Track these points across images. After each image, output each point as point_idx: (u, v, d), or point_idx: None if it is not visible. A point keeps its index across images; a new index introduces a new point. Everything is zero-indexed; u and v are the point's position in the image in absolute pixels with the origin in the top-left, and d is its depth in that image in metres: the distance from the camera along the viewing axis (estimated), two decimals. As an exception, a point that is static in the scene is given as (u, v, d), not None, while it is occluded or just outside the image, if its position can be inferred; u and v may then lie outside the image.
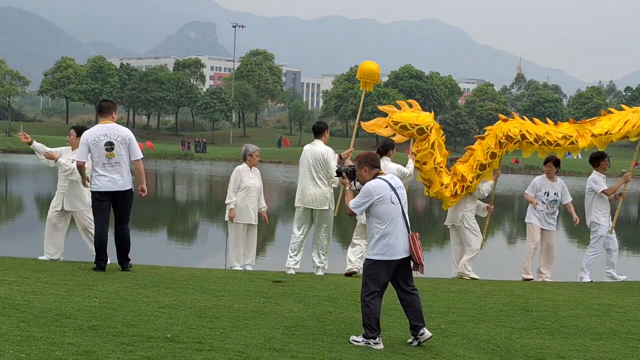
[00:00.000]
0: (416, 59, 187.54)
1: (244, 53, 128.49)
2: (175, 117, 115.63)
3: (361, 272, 8.48)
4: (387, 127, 11.17)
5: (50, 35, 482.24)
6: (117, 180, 9.41)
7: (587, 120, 12.24)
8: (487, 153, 11.53)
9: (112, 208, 9.58)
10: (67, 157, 10.39)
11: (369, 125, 11.42)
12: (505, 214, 28.19)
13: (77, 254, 10.88)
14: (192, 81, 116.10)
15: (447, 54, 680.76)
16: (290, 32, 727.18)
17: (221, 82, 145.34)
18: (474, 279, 11.41)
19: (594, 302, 9.58)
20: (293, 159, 66.25)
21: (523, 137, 11.50)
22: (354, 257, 10.97)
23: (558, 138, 11.60)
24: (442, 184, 11.45)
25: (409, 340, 6.72)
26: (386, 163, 11.10)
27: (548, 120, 12.19)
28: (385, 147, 11.29)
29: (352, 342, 6.56)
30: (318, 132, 10.90)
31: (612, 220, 12.21)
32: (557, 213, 12.11)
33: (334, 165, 10.41)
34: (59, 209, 10.48)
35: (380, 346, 6.48)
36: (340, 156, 10.62)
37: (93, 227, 10.43)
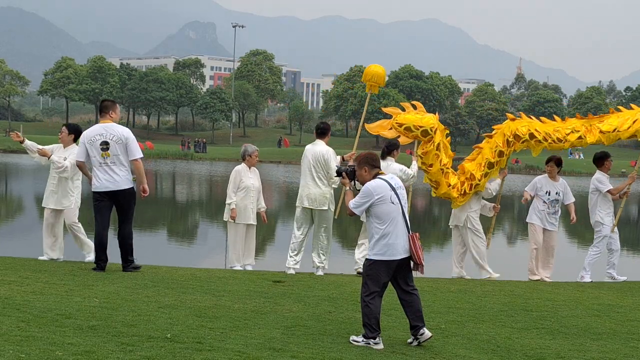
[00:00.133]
0: (416, 59, 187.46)
1: (244, 53, 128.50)
2: (175, 117, 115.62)
3: None
4: (391, 129, 11.20)
5: (50, 35, 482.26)
6: (115, 179, 9.39)
7: (594, 116, 12.24)
8: (495, 151, 11.54)
9: (115, 208, 9.59)
10: (58, 154, 10.40)
11: (374, 128, 11.44)
12: (506, 214, 28.18)
13: (77, 254, 10.88)
14: (192, 81, 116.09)
15: (447, 54, 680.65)
16: (290, 32, 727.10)
17: (221, 82, 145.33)
18: (494, 279, 11.42)
19: (594, 302, 9.58)
20: (293, 159, 66.30)
21: (532, 136, 11.50)
22: (362, 256, 11.03)
23: (566, 134, 11.62)
24: (449, 185, 11.46)
25: (409, 340, 6.72)
26: (389, 163, 11.10)
27: (555, 117, 12.20)
28: (390, 147, 11.30)
29: (352, 342, 6.56)
30: (323, 132, 10.90)
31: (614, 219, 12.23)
32: (559, 213, 12.10)
33: (334, 165, 10.41)
34: (51, 208, 10.49)
35: (380, 346, 6.48)
36: (342, 158, 10.62)
37: (79, 225, 10.49)
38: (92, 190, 9.53)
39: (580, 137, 11.70)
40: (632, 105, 12.42)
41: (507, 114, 12.18)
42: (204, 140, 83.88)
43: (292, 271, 10.72)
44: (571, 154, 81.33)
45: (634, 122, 11.78)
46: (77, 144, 10.57)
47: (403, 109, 11.29)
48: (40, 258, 10.52)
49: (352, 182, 7.05)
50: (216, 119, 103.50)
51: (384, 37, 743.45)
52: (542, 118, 12.09)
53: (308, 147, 10.91)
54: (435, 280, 10.98)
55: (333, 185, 10.76)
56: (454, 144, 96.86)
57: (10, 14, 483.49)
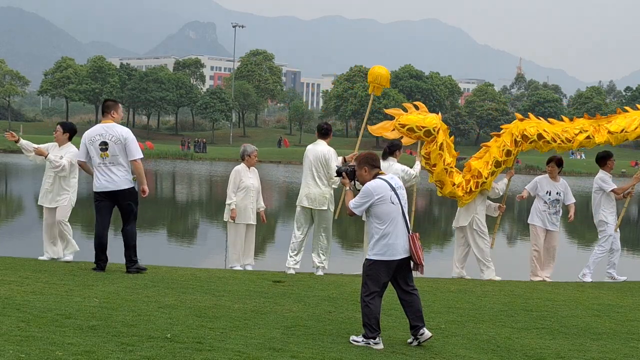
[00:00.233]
0: (416, 59, 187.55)
1: (244, 53, 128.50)
2: (175, 117, 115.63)
3: None
4: (394, 130, 11.20)
5: (50, 35, 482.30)
6: (113, 179, 9.38)
7: (602, 116, 12.25)
8: (503, 150, 11.54)
9: (117, 208, 9.58)
10: (54, 153, 10.33)
11: (376, 129, 11.45)
12: (506, 214, 28.14)
13: (77, 253, 10.87)
14: (192, 81, 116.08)
15: (447, 54, 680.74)
16: (290, 32, 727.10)
17: (221, 82, 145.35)
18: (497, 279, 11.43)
19: (594, 302, 9.58)
20: (293, 159, 66.33)
21: (540, 136, 11.49)
22: None
23: (575, 134, 11.63)
24: (454, 184, 11.46)
25: (409, 340, 6.72)
26: (391, 164, 11.10)
27: (563, 117, 12.21)
28: (392, 148, 11.30)
29: (352, 342, 6.56)
30: (326, 133, 10.91)
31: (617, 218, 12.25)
32: (560, 213, 12.11)
33: (334, 165, 10.41)
34: (47, 207, 10.44)
35: (380, 346, 6.48)
36: (344, 159, 10.62)
37: (68, 225, 10.39)
38: (93, 190, 9.54)
39: (588, 137, 11.72)
40: (639, 106, 12.41)
41: (516, 114, 12.20)
42: (204, 140, 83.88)
43: (292, 271, 10.72)
44: (572, 153, 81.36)
45: None
46: (72, 143, 10.54)
47: (405, 110, 11.30)
48: (41, 258, 10.51)
49: (352, 182, 7.05)
50: (216, 119, 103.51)
51: (384, 37, 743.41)
52: (550, 119, 12.09)
53: (309, 147, 10.92)
54: (435, 280, 10.98)
55: (333, 186, 10.76)
56: (454, 144, 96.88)
57: (10, 14, 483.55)
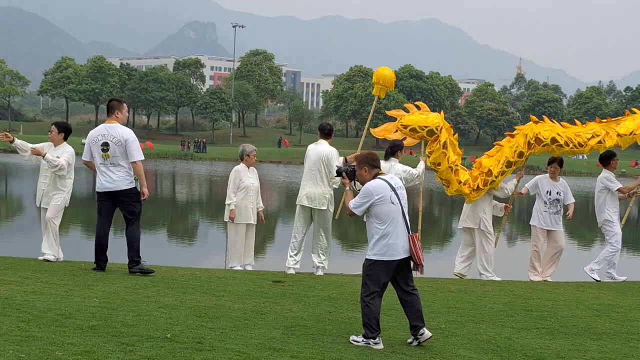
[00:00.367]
0: (416, 59, 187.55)
1: (244, 53, 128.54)
2: (175, 117, 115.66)
3: None
4: (396, 131, 11.21)
5: (50, 35, 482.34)
6: (113, 179, 9.37)
7: (612, 119, 12.28)
8: (516, 152, 11.56)
9: (120, 209, 9.56)
10: (50, 153, 10.18)
11: (379, 131, 11.46)
12: (505, 214, 28.15)
13: (77, 254, 10.88)
14: (192, 81, 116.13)
15: (447, 54, 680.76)
16: (290, 32, 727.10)
17: (221, 82, 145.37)
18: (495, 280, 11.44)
19: (594, 302, 9.58)
20: (293, 159, 66.36)
21: (553, 140, 11.51)
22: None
23: (587, 138, 11.67)
24: (460, 182, 11.45)
25: (409, 340, 6.72)
26: (393, 164, 11.09)
27: (576, 121, 12.24)
28: (394, 148, 11.29)
29: (352, 342, 6.56)
30: (328, 133, 10.94)
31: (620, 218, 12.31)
32: (561, 212, 12.14)
33: (336, 165, 10.41)
34: (44, 207, 10.33)
35: (380, 346, 6.48)
36: (345, 159, 10.62)
37: (56, 225, 10.18)
38: (96, 190, 9.55)
39: (600, 142, 11.78)
40: None
41: (531, 116, 12.23)
42: (204, 140, 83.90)
43: (292, 271, 10.72)
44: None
45: None
46: (67, 143, 10.42)
47: (407, 111, 11.32)
48: (40, 258, 10.49)
49: (352, 182, 7.05)
50: (216, 119, 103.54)
51: (384, 37, 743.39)
52: (564, 123, 12.08)
53: (311, 146, 10.91)
54: (435, 280, 10.98)
55: (334, 186, 10.76)
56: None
57: (10, 14, 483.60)
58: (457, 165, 11.43)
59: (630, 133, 11.89)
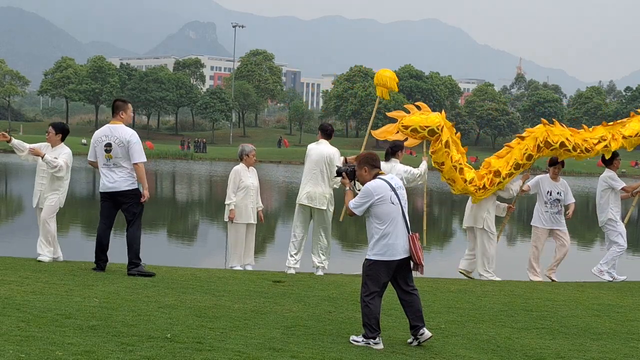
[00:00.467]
0: (416, 59, 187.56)
1: (244, 53, 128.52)
2: (175, 117, 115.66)
3: None
4: (397, 132, 11.22)
5: (50, 35, 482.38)
6: (115, 180, 9.36)
7: (617, 122, 12.33)
8: (525, 154, 11.59)
9: (121, 210, 9.54)
10: (48, 154, 10.04)
11: (380, 133, 11.46)
12: (505, 214, 28.15)
13: (77, 254, 10.87)
14: (192, 81, 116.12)
15: (447, 54, 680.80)
16: (290, 32, 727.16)
17: (221, 82, 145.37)
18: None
19: (594, 302, 9.59)
20: (293, 159, 66.36)
21: (562, 145, 11.58)
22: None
23: (594, 144, 11.74)
24: (465, 180, 11.46)
25: (409, 340, 6.72)
26: (394, 165, 11.09)
27: (584, 126, 12.27)
28: (394, 148, 11.29)
29: (352, 342, 6.56)
30: (330, 134, 10.98)
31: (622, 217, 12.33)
32: (562, 211, 12.16)
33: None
34: (40, 207, 10.21)
35: (380, 346, 6.49)
36: (346, 159, 10.62)
37: (50, 223, 10.08)
38: (99, 190, 9.55)
39: (606, 146, 11.86)
40: None
41: (542, 119, 12.27)
42: (204, 140, 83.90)
43: (292, 271, 10.72)
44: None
45: None
46: (65, 144, 10.31)
47: (407, 112, 11.33)
48: (40, 258, 10.46)
49: (352, 182, 7.05)
50: (216, 119, 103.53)
51: (384, 37, 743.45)
52: (573, 129, 12.09)
53: (312, 146, 10.90)
54: (435, 280, 10.98)
55: (334, 186, 10.76)
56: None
57: (10, 14, 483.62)
58: (461, 163, 11.43)
59: (636, 134, 11.99)
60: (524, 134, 11.91)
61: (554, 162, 12.10)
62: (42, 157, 10.02)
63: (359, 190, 6.83)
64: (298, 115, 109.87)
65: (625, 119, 12.34)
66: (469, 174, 11.51)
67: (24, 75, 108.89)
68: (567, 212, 12.21)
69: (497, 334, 7.33)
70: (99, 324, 6.42)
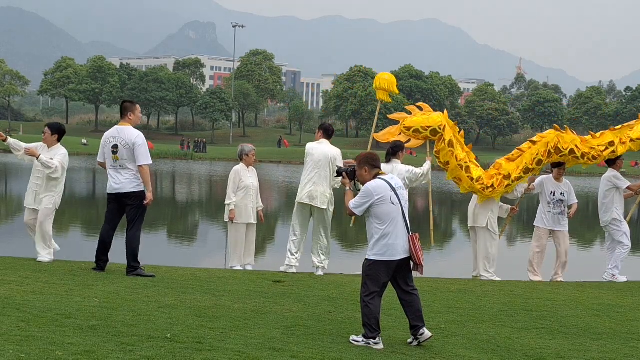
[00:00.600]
0: (416, 59, 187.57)
1: (244, 53, 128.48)
2: (175, 117, 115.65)
3: None
4: (400, 134, 11.23)
5: (50, 35, 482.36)
6: (120, 181, 9.36)
7: (625, 125, 12.37)
8: (535, 159, 11.61)
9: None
10: (44, 154, 9.96)
11: (382, 135, 11.48)
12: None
13: (77, 254, 10.87)
14: (192, 81, 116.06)
15: (447, 54, 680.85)
16: (290, 32, 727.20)
17: (221, 82, 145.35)
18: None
19: (594, 302, 9.59)
20: (293, 159, 66.34)
21: (571, 152, 11.65)
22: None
23: (601, 151, 11.81)
24: (472, 178, 11.45)
25: (409, 340, 6.72)
26: (395, 165, 11.09)
27: (591, 133, 12.29)
28: (395, 149, 11.29)
29: (352, 342, 6.56)
30: (331, 134, 11.00)
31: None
32: (565, 213, 12.16)
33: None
34: (32, 209, 10.14)
35: (380, 346, 6.49)
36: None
37: (47, 227, 10.03)
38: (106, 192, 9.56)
39: (613, 152, 11.91)
40: None
41: (554, 125, 12.30)
42: (204, 140, 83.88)
43: (293, 269, 10.72)
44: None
45: None
46: (61, 144, 10.23)
47: (409, 113, 11.34)
48: (39, 259, 10.43)
49: (353, 182, 7.05)
50: (216, 119, 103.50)
51: (384, 37, 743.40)
52: (582, 137, 12.10)
53: (314, 145, 10.86)
54: (435, 280, 10.98)
55: (335, 185, 10.76)
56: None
57: (10, 14, 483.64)
58: (467, 162, 11.44)
59: None
60: (535, 139, 11.92)
61: (558, 163, 12.10)
62: (37, 158, 9.94)
63: (359, 190, 6.83)
64: (298, 115, 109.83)
65: (633, 122, 12.40)
66: (476, 172, 11.50)
67: (24, 75, 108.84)
68: (569, 212, 12.23)
69: (497, 334, 7.33)
70: (99, 324, 6.42)
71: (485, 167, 12.19)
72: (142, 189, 9.41)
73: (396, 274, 6.65)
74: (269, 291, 8.92)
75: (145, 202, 9.43)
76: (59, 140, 10.23)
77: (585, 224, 25.23)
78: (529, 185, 12.00)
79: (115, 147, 9.37)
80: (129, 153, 9.34)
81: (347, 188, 7.07)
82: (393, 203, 6.62)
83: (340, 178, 7.23)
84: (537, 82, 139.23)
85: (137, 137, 9.40)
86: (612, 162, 12.27)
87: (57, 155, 10.01)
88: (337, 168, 7.62)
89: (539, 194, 12.26)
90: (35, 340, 5.68)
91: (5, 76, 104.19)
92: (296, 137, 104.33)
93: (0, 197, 29.31)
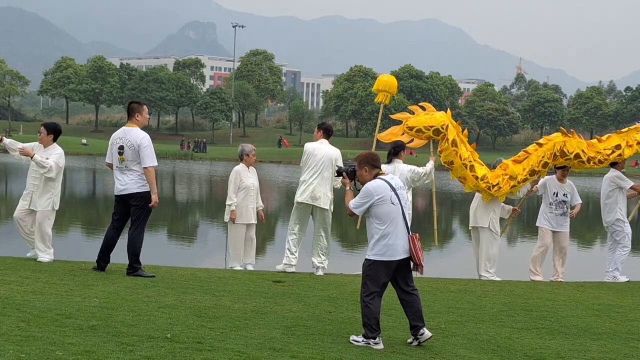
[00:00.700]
0: (416, 59, 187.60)
1: (244, 53, 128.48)
2: (175, 117, 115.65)
3: None
4: (403, 134, 11.24)
5: (50, 35, 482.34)
6: (126, 182, 9.33)
7: (632, 127, 12.38)
8: (541, 162, 11.61)
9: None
10: (39, 154, 9.96)
11: (385, 136, 11.48)
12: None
13: (77, 254, 10.87)
14: (192, 81, 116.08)
15: (447, 54, 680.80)
16: (290, 32, 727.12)
17: (221, 82, 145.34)
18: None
19: (594, 302, 9.59)
20: (293, 159, 66.30)
21: (577, 156, 11.65)
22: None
23: (607, 154, 11.83)
24: (477, 177, 11.45)
25: (409, 340, 6.72)
26: (397, 165, 11.08)
27: (597, 137, 12.31)
28: (396, 149, 11.29)
29: (352, 342, 6.56)
30: (331, 135, 11.02)
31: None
32: (567, 214, 12.16)
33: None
34: (27, 208, 10.14)
35: (380, 346, 6.49)
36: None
37: (46, 228, 10.01)
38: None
39: (619, 155, 11.93)
40: None
41: (561, 128, 12.29)
42: (204, 140, 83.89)
43: (292, 268, 10.72)
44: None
45: None
46: (57, 144, 10.21)
47: (412, 113, 11.35)
48: (40, 259, 10.43)
49: (353, 182, 7.05)
50: (216, 119, 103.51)
51: (384, 37, 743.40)
52: (588, 141, 12.08)
53: (315, 145, 10.84)
54: (435, 280, 10.98)
55: (336, 185, 10.76)
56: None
57: (10, 14, 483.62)
58: (471, 160, 11.43)
59: None
60: (541, 141, 11.92)
61: (562, 166, 12.10)
62: (32, 157, 9.92)
63: (359, 190, 6.83)
64: (298, 115, 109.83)
65: (638, 124, 12.42)
66: (480, 170, 11.49)
67: (24, 75, 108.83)
68: (571, 212, 12.23)
69: (497, 334, 7.34)
70: (99, 324, 6.42)
71: (487, 167, 12.18)
72: (147, 190, 9.35)
73: (396, 274, 6.66)
74: (269, 291, 8.92)
75: (151, 205, 9.39)
76: (54, 140, 10.20)
77: (586, 224, 25.21)
78: (532, 187, 12.00)
79: (121, 148, 9.35)
80: (134, 154, 9.31)
81: (347, 188, 7.07)
82: (393, 203, 6.62)
83: (341, 178, 7.23)
84: (537, 82, 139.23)
85: (142, 138, 9.36)
86: (614, 163, 12.28)
87: (53, 155, 9.97)
88: (337, 168, 7.63)
89: (541, 194, 12.26)
90: (35, 340, 5.68)
91: (5, 76, 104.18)
92: (296, 137, 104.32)
93: (0, 197, 29.29)
